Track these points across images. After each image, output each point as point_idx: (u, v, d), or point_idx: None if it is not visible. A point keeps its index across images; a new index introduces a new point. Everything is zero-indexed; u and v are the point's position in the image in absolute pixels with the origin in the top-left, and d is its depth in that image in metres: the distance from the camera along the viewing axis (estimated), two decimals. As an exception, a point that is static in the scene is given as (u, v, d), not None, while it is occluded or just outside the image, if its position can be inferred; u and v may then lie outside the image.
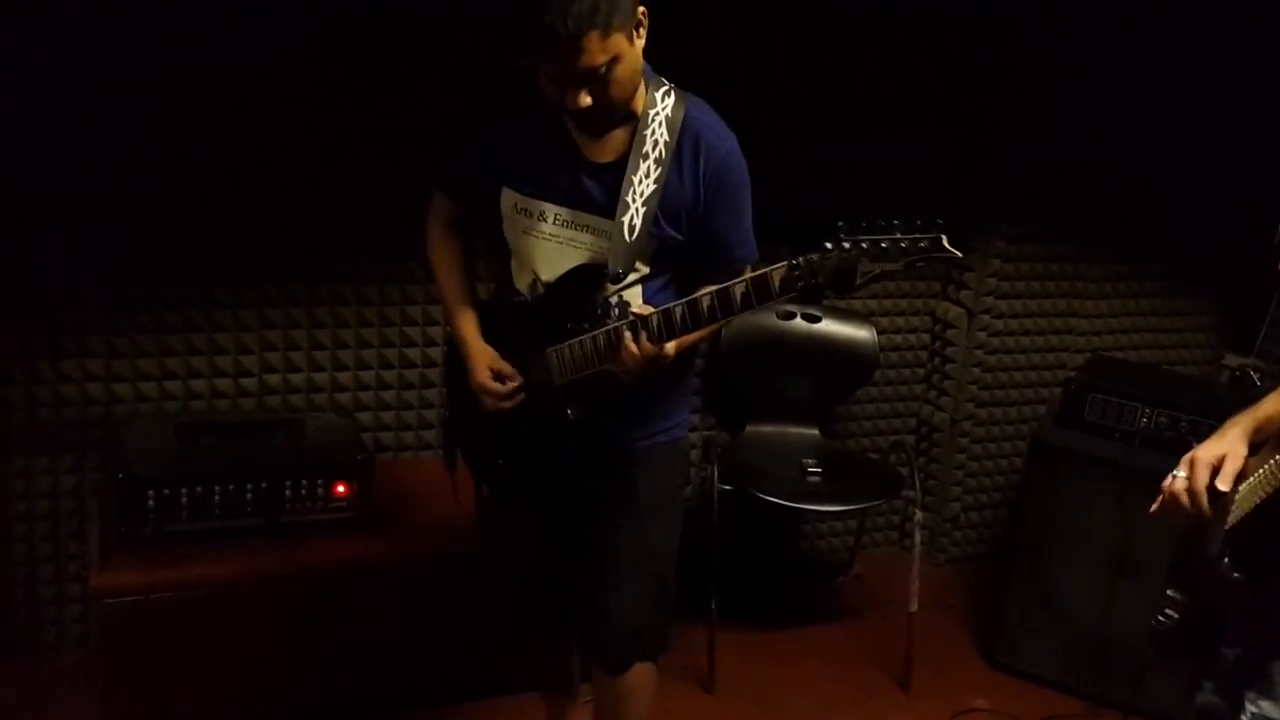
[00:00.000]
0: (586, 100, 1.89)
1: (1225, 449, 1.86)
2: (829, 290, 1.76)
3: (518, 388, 2.14)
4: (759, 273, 1.83)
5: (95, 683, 2.65)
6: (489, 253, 2.44)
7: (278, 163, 2.87)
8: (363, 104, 2.91)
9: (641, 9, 1.91)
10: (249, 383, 3.00)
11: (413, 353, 3.15)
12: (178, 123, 2.74)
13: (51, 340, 2.80)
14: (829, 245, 1.72)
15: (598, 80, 1.88)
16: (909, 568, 3.30)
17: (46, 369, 2.81)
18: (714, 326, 1.96)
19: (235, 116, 2.80)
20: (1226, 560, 1.82)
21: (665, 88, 2.06)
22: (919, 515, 3.40)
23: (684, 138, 2.03)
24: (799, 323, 3.54)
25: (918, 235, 1.71)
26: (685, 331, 1.94)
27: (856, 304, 3.66)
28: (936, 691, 3.25)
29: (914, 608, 3.27)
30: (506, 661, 2.78)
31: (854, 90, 3.43)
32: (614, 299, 2.07)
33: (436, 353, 3.15)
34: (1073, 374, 3.39)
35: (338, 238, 3.00)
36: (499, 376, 2.15)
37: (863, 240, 1.71)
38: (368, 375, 3.12)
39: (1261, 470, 1.76)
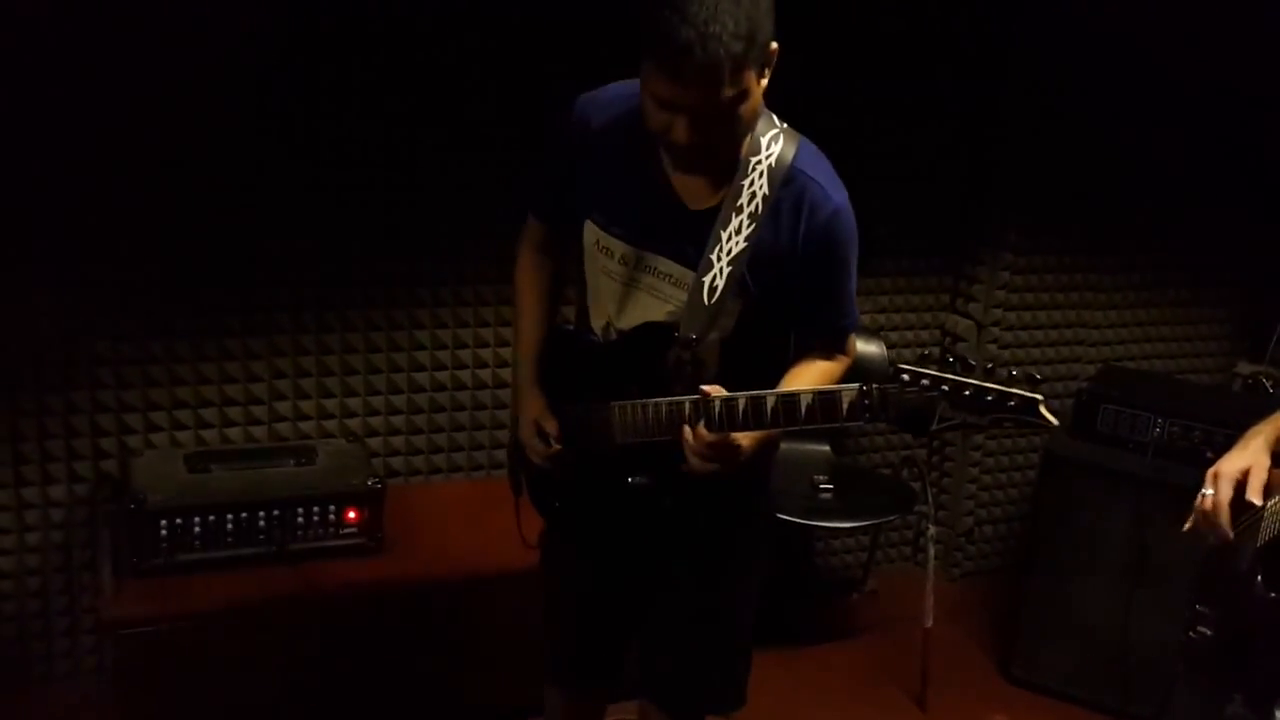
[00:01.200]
0: (695, 137, 1.68)
1: (1249, 461, 1.84)
2: (899, 427, 1.59)
3: (559, 455, 1.97)
4: (828, 390, 1.67)
5: (109, 714, 2.65)
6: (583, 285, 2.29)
7: (284, 192, 2.87)
8: (369, 133, 2.91)
9: (774, 45, 1.69)
10: (259, 410, 3.00)
11: (422, 377, 3.15)
12: (187, 154, 2.75)
13: (63, 371, 2.80)
14: (907, 377, 1.54)
15: (714, 116, 1.67)
16: (923, 583, 3.28)
17: (57, 400, 2.81)
18: (784, 430, 1.75)
19: (241, 147, 2.80)
20: (1260, 579, 1.79)
21: (775, 130, 1.85)
22: (932, 530, 3.39)
23: (785, 191, 1.81)
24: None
25: (1009, 392, 1.51)
26: (749, 428, 1.74)
27: (865, 317, 3.65)
28: (953, 708, 3.23)
29: (929, 623, 3.25)
30: (523, 691, 2.76)
31: (863, 101, 3.41)
32: (687, 362, 1.86)
33: (446, 376, 3.15)
34: (1084, 385, 3.38)
35: (344, 264, 3.00)
36: (542, 434, 1.98)
37: (945, 382, 1.52)
38: (377, 400, 3.12)
39: None
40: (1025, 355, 3.77)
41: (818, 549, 3.87)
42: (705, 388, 1.77)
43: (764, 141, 1.83)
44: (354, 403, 3.10)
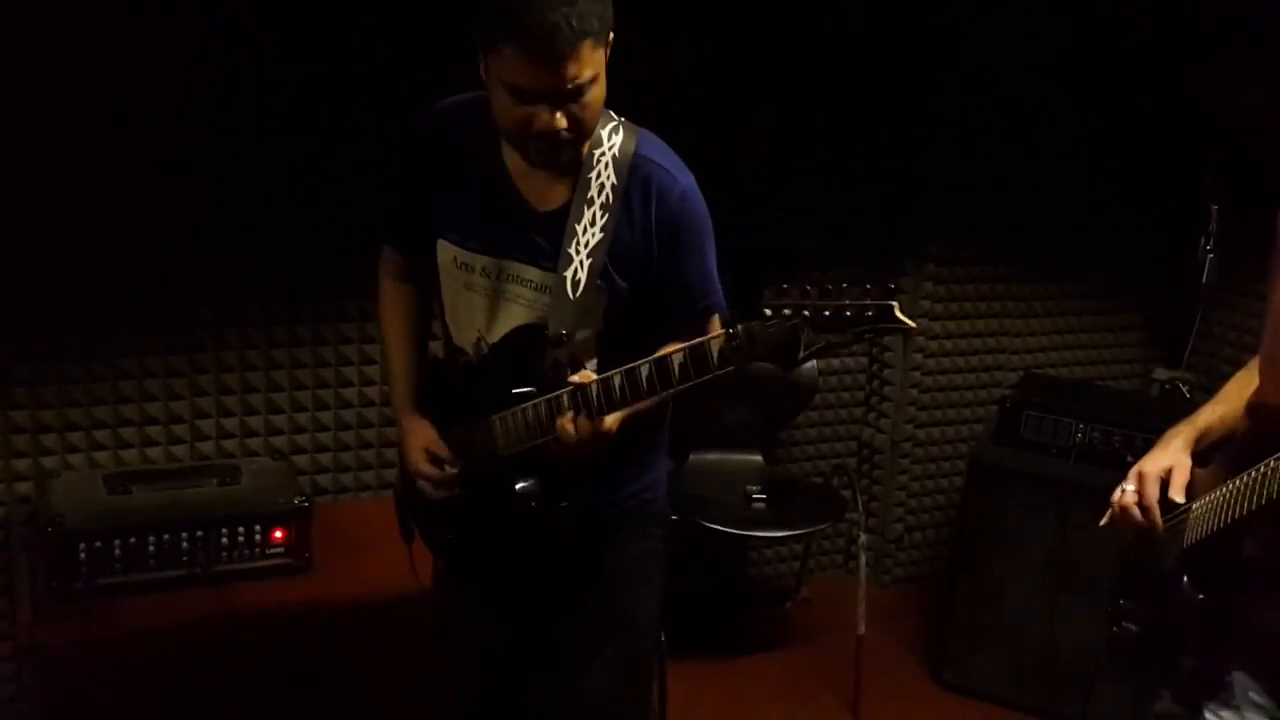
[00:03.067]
0: (563, 122, 1.70)
1: (1171, 460, 1.88)
2: (770, 364, 1.60)
3: (455, 476, 1.97)
4: (696, 343, 1.68)
5: (27, 745, 2.57)
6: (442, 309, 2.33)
7: (205, 206, 2.82)
8: (294, 147, 2.87)
9: (612, 34, 1.73)
10: (181, 429, 2.94)
11: (349, 392, 3.11)
12: (104, 169, 2.69)
13: (-25, 393, 2.72)
14: (769, 313, 1.57)
15: (575, 100, 1.69)
16: (855, 591, 3.31)
17: (-31, 422, 2.73)
18: (661, 397, 1.76)
19: (158, 162, 2.75)
20: (1186, 580, 1.82)
21: (613, 123, 1.87)
22: (863, 538, 3.42)
23: (633, 179, 1.84)
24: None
25: (866, 304, 1.55)
26: (626, 404, 1.76)
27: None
28: (887, 715, 3.27)
29: (862, 630, 3.28)
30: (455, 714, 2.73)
31: (790, 119, 3.45)
32: (564, 361, 1.88)
33: (374, 391, 3.11)
34: (1007, 392, 3.44)
35: (268, 279, 2.95)
36: (436, 460, 1.98)
37: (805, 308, 1.56)
38: (303, 417, 3.07)
39: (1223, 491, 1.76)
40: (950, 364, 3.84)
41: (751, 559, 3.89)
42: (574, 377, 1.80)
43: (604, 135, 1.85)
44: (279, 420, 3.05)
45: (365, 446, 3.16)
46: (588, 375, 1.80)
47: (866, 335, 1.58)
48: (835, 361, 3.82)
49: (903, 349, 3.76)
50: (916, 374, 3.78)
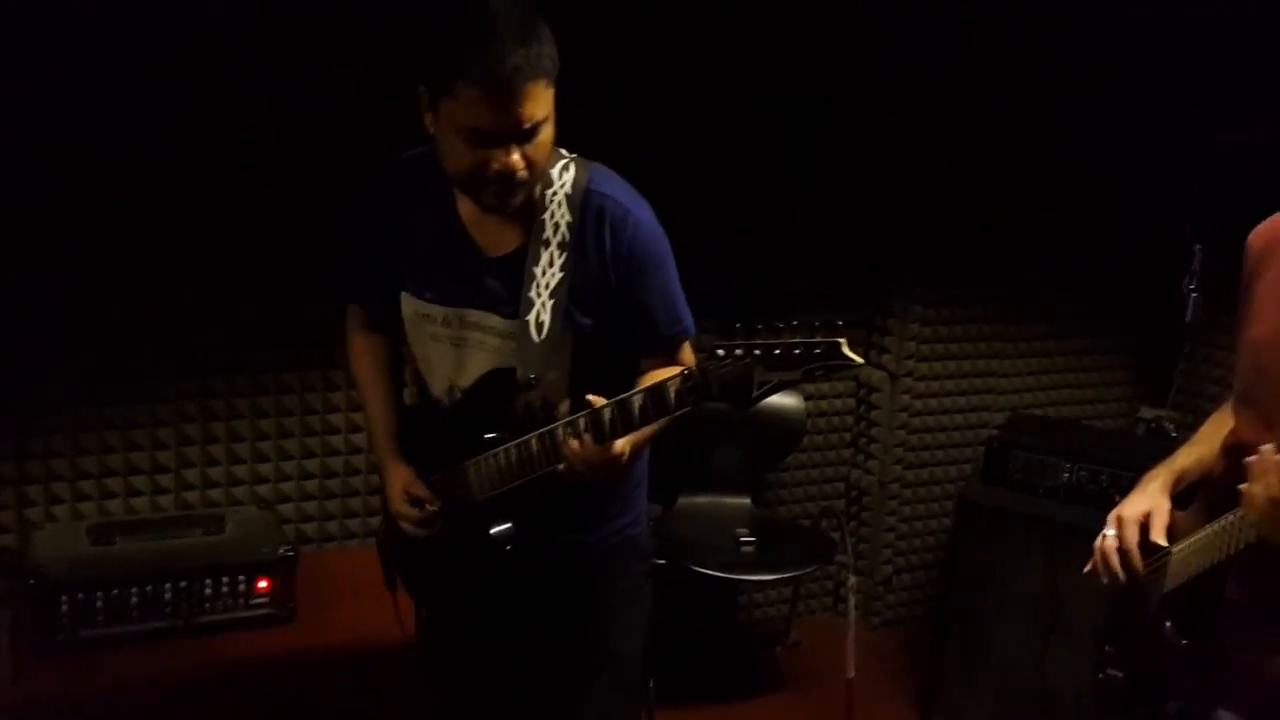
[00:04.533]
0: (520, 162, 1.72)
1: (1149, 504, 1.89)
2: (725, 402, 1.61)
3: (436, 515, 1.98)
4: (655, 384, 1.69)
5: (8, 801, 2.53)
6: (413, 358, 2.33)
7: (190, 253, 2.83)
8: (278, 196, 2.89)
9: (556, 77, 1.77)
10: (165, 479, 2.93)
11: (336, 440, 3.10)
12: (84, 217, 2.70)
13: (-42, 444, 2.71)
14: (721, 352, 1.59)
15: (529, 140, 1.72)
16: (844, 633, 3.29)
17: (-48, 474, 2.72)
18: (658, 425, 1.77)
19: (146, 212, 2.76)
20: (1169, 625, 1.82)
21: (564, 160, 1.88)
22: (852, 580, 3.41)
23: (586, 215, 1.85)
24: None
25: (815, 341, 1.58)
26: (596, 441, 1.76)
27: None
28: (878, 758, 3.24)
29: (851, 674, 3.25)
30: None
31: (778, 158, 3.48)
32: (535, 404, 1.88)
33: (362, 438, 3.11)
34: (995, 432, 3.44)
35: (254, 326, 2.95)
36: (416, 501, 1.99)
37: (756, 348, 1.58)
38: (289, 465, 3.07)
39: (1202, 535, 1.77)
40: (937, 405, 3.84)
41: (741, 603, 3.87)
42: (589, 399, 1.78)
43: (554, 173, 1.87)
44: (265, 468, 3.04)
45: (352, 494, 3.15)
46: (600, 400, 1.77)
47: (818, 373, 1.60)
48: (823, 403, 3.83)
49: (890, 390, 3.76)
50: (904, 415, 3.79)
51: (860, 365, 1.63)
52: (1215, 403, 2.03)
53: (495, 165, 1.73)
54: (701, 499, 3.57)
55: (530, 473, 1.86)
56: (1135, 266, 3.83)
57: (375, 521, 3.14)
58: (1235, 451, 1.77)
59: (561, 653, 2.09)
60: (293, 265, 2.92)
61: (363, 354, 2.15)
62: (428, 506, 1.98)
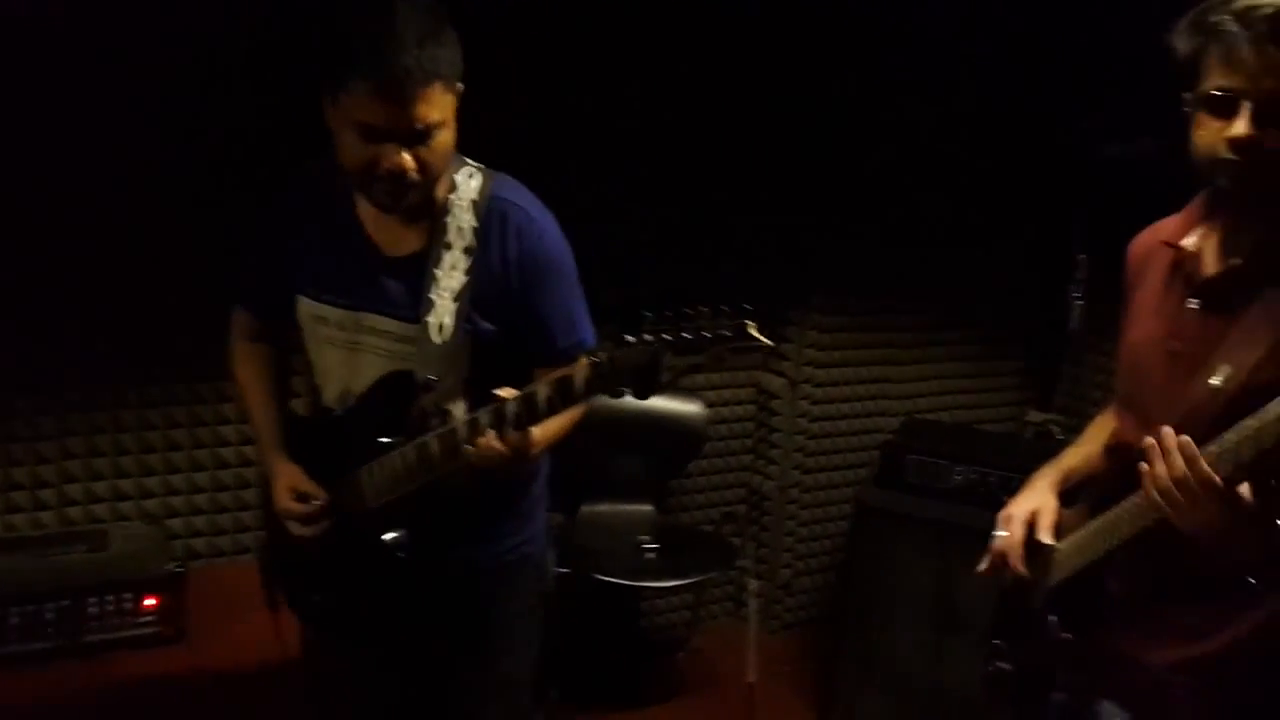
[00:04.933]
0: (411, 162, 1.73)
1: (1037, 502, 1.94)
2: (634, 390, 1.60)
3: (324, 507, 1.93)
4: (561, 374, 1.68)
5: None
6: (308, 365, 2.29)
7: (71, 260, 2.73)
8: (162, 203, 2.80)
9: (461, 84, 1.78)
10: (47, 494, 2.82)
11: (227, 452, 3.03)
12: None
13: None
14: (630, 338, 1.59)
15: (423, 143, 1.73)
16: (746, 638, 3.32)
17: None
18: (569, 420, 1.82)
19: (36, 219, 2.66)
20: (1053, 619, 1.87)
21: (469, 168, 1.91)
22: (753, 584, 3.44)
23: (490, 220, 1.87)
24: (629, 400, 3.54)
25: (723, 323, 1.59)
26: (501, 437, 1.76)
27: (683, 378, 3.71)
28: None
29: (752, 678, 3.28)
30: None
31: (679, 170, 3.50)
32: (431, 408, 1.86)
33: (253, 450, 3.03)
34: (890, 437, 3.51)
35: (140, 337, 2.86)
36: (302, 496, 1.94)
37: (664, 332, 1.58)
38: (178, 479, 2.98)
39: (1090, 528, 1.81)
40: (835, 410, 3.90)
41: (643, 609, 3.88)
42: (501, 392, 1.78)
43: (459, 179, 1.88)
44: (152, 482, 2.95)
45: (244, 508, 3.07)
46: (511, 391, 1.76)
47: (726, 355, 1.61)
48: (724, 409, 3.86)
49: (789, 395, 3.81)
50: (803, 420, 3.84)
51: (769, 346, 1.64)
52: (1099, 406, 2.10)
53: (385, 163, 1.73)
54: (604, 507, 3.57)
55: (430, 475, 1.84)
56: (1025, 275, 3.94)
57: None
58: (1117, 451, 1.83)
59: (452, 675, 2.06)
60: (182, 274, 2.83)
61: (246, 360, 2.12)
62: (314, 501, 1.94)
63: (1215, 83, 1.57)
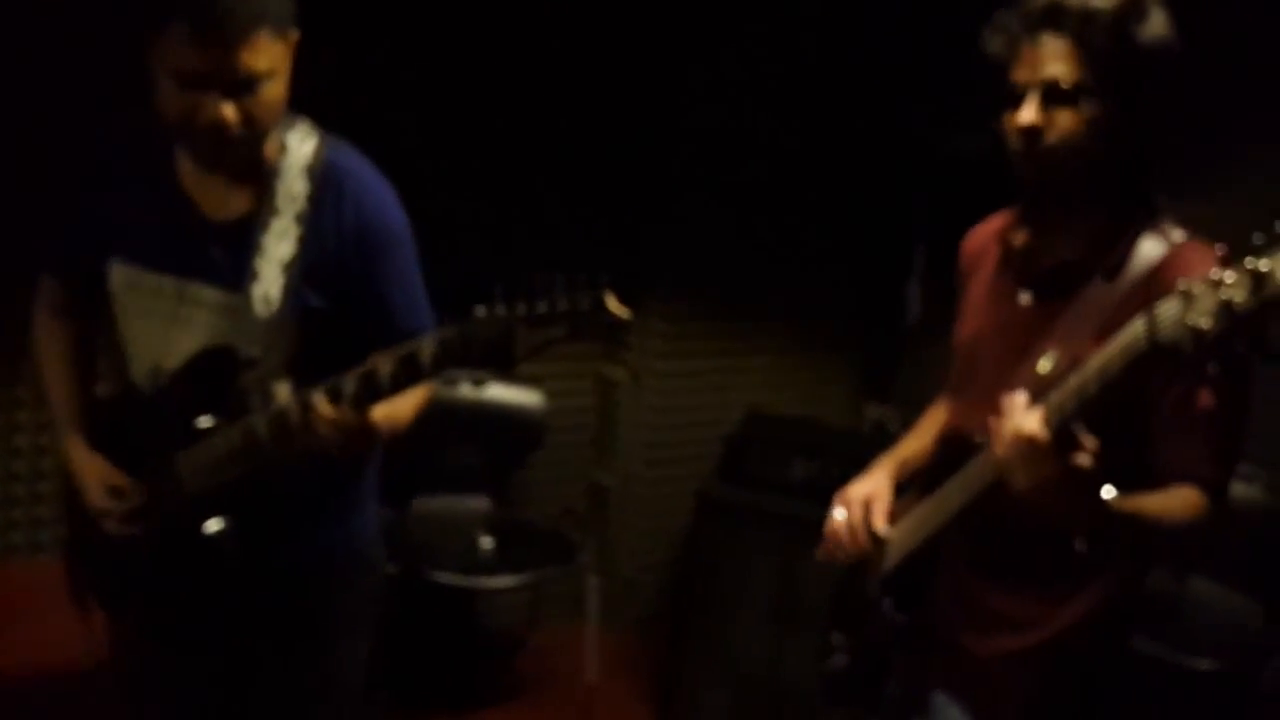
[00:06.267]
0: (232, 114, 1.59)
1: (872, 488, 1.94)
2: (487, 366, 1.55)
3: (140, 503, 1.80)
4: (406, 350, 1.59)
5: None
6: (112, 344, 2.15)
7: None
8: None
9: (294, 32, 1.64)
10: None
11: (21, 440, 2.81)
12: None
13: None
14: (480, 312, 1.53)
15: (248, 94, 1.60)
16: (586, 637, 3.25)
17: None
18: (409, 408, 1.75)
19: None
20: (888, 600, 1.87)
21: (305, 131, 1.78)
22: (594, 581, 3.37)
23: (325, 187, 1.75)
24: (464, 388, 3.44)
25: (579, 296, 1.54)
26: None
27: (521, 366, 3.61)
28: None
29: (592, 678, 3.21)
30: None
31: (523, 159, 3.43)
32: (253, 387, 1.74)
33: (50, 439, 2.81)
34: (732, 430, 3.49)
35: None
36: (116, 493, 1.81)
37: (519, 307, 1.53)
38: (-36, 470, 2.74)
39: (913, 515, 1.83)
40: (677, 402, 3.87)
41: (479, 608, 3.76)
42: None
43: (293, 140, 1.76)
44: (-66, 473, 2.71)
45: (39, 500, 2.84)
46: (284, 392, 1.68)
47: (583, 327, 1.55)
48: (566, 401, 3.78)
49: (632, 388, 3.76)
50: (646, 413, 3.79)
51: (626, 319, 1.57)
52: (936, 398, 2.11)
53: (205, 115, 1.59)
54: (438, 501, 3.45)
55: (256, 460, 1.71)
56: (865, 267, 3.99)
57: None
58: (947, 440, 1.85)
59: (277, 677, 1.93)
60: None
61: (48, 336, 1.95)
62: (131, 499, 1.79)
63: (1011, 79, 1.63)
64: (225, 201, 1.75)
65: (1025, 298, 1.74)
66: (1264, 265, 1.20)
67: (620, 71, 3.50)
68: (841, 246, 3.97)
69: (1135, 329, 1.34)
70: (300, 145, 1.76)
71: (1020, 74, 1.62)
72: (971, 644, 1.76)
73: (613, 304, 1.55)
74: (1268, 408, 1.62)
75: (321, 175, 1.75)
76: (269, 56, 1.59)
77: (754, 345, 4.00)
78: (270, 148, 1.74)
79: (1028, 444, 1.44)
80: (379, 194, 1.80)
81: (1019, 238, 1.76)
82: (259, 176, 1.74)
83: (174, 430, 1.77)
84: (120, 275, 1.79)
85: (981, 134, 3.31)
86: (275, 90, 1.64)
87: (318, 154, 1.76)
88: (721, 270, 3.81)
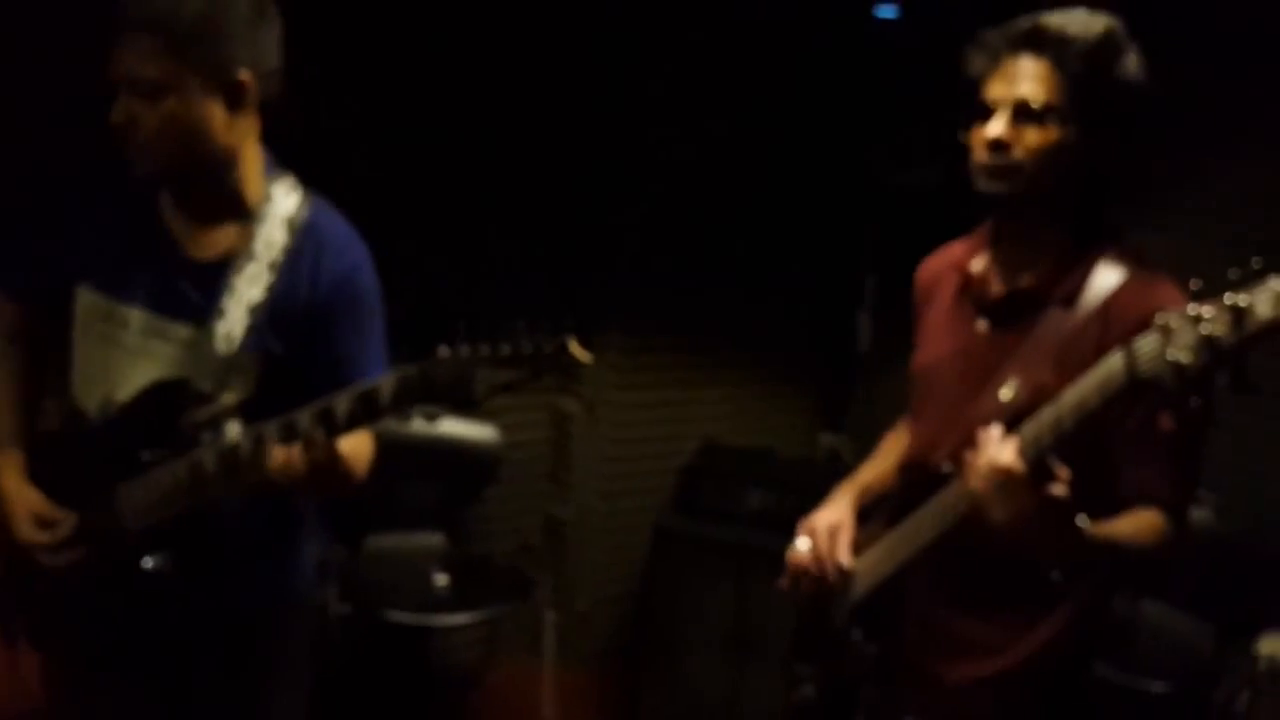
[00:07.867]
0: (121, 111, 1.66)
1: (836, 517, 1.93)
2: (447, 405, 1.56)
3: (73, 533, 1.77)
4: (365, 387, 1.59)
5: None
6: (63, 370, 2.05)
7: None
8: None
9: (245, 74, 1.68)
10: None
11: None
12: None
13: None
14: (443, 352, 1.54)
15: (140, 97, 1.65)
16: (543, 674, 3.20)
17: None
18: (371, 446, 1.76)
19: None
20: (857, 630, 1.86)
21: (289, 183, 1.83)
22: (550, 617, 3.33)
23: (305, 243, 1.79)
24: (417, 423, 3.38)
25: (543, 339, 1.55)
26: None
27: (496, 395, 3.58)
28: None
29: (548, 715, 3.17)
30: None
31: (475, 188, 3.41)
32: (203, 422, 1.73)
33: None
34: (687, 461, 3.47)
35: None
36: (46, 523, 1.78)
37: (482, 348, 1.54)
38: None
39: (881, 545, 1.83)
40: (632, 434, 3.85)
41: (434, 646, 3.70)
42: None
43: (278, 192, 1.81)
44: None
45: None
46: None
47: (545, 371, 1.56)
48: (520, 434, 3.74)
49: (587, 420, 3.73)
50: (602, 445, 3.77)
51: (588, 362, 1.59)
52: (890, 427, 2.12)
53: (114, 113, 1.67)
54: (391, 537, 3.39)
55: (201, 496, 1.69)
56: (818, 297, 4.01)
57: None
58: (911, 468, 1.84)
59: (212, 717, 1.90)
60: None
61: None
62: (60, 530, 1.77)
63: (984, 95, 1.66)
64: (205, 241, 1.78)
65: (983, 325, 1.75)
66: (1243, 300, 1.21)
67: (573, 106, 3.50)
68: (793, 277, 3.99)
69: (1113, 364, 1.35)
70: (285, 197, 1.81)
71: (994, 90, 1.65)
72: (942, 671, 1.76)
73: (575, 349, 1.57)
74: (1216, 433, 1.64)
75: (302, 230, 1.80)
76: (157, 67, 1.63)
77: (708, 376, 4.00)
78: (252, 190, 1.78)
79: (1004, 476, 1.45)
80: (355, 257, 1.83)
81: (977, 265, 1.78)
82: (239, 218, 1.78)
83: (118, 461, 1.76)
84: (87, 301, 1.80)
85: (931, 167, 3.38)
86: (171, 108, 1.65)
87: (300, 209, 1.81)
88: (674, 302, 3.81)
